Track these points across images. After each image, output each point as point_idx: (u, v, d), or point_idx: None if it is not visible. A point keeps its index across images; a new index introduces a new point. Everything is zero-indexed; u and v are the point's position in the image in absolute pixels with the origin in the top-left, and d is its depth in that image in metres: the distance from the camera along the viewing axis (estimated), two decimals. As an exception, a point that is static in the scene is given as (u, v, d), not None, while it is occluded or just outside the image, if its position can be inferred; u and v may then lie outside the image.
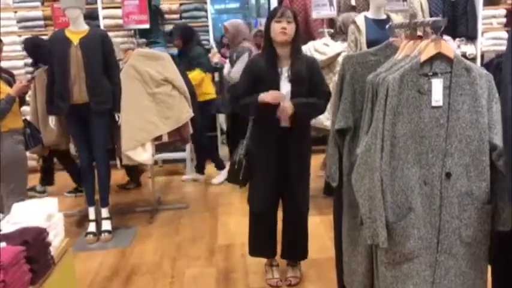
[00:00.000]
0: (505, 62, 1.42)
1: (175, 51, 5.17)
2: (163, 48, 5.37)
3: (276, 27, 2.66)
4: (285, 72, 2.72)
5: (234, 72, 4.49)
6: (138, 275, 3.23)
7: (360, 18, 3.72)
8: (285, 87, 2.71)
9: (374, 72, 1.84)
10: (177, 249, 3.59)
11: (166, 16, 5.79)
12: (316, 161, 3.86)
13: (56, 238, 2.28)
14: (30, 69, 5.05)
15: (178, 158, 5.72)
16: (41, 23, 5.68)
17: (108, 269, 3.34)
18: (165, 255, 3.50)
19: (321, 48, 4.16)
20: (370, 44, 3.42)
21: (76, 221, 4.23)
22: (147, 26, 4.79)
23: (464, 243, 1.79)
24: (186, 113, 4.07)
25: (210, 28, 5.84)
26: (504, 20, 5.60)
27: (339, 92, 2.03)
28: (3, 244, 1.89)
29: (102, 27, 5.41)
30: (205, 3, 5.84)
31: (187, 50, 4.99)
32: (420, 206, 1.75)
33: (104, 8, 5.57)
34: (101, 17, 5.54)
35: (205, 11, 5.84)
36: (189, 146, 5.40)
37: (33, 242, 1.99)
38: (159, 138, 4.06)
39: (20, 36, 5.56)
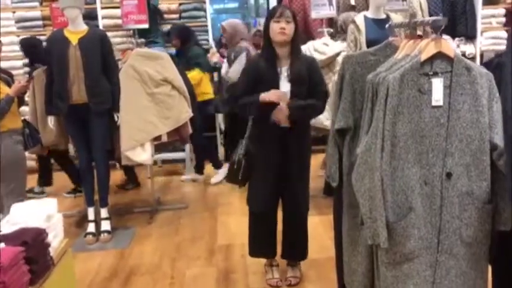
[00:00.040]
0: (505, 61, 1.41)
1: (174, 50, 5.17)
2: (163, 48, 5.36)
3: (274, 27, 2.66)
4: (284, 72, 2.71)
5: (231, 72, 4.48)
6: (138, 275, 3.23)
7: (359, 18, 3.72)
8: (285, 87, 2.70)
9: (374, 72, 1.83)
10: (176, 250, 3.59)
11: (166, 16, 5.79)
12: (315, 160, 3.85)
13: (55, 239, 2.28)
14: (29, 69, 5.04)
15: (178, 158, 5.71)
16: (40, 23, 5.68)
17: (108, 269, 3.33)
18: (165, 256, 3.49)
19: (320, 47, 4.16)
20: (369, 43, 3.42)
21: (75, 222, 4.22)
22: (146, 25, 4.78)
23: (465, 243, 1.79)
24: (186, 113, 4.07)
25: (209, 28, 5.84)
26: (503, 19, 5.60)
27: (338, 91, 2.03)
28: (3, 245, 1.89)
29: (101, 27, 5.41)
30: (204, 3, 5.83)
31: (185, 50, 4.99)
32: (421, 205, 1.75)
33: (102, 8, 5.57)
34: (99, 17, 5.54)
35: (204, 10, 5.84)
36: (188, 146, 5.39)
37: (32, 242, 1.98)
38: (158, 138, 4.05)
39: (18, 36, 5.54)
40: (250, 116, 2.80)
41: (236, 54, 4.62)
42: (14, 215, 2.23)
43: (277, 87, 2.69)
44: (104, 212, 3.87)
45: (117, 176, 5.12)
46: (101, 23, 5.53)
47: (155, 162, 5.55)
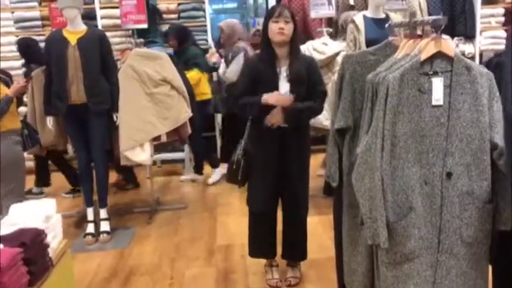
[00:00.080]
0: (505, 61, 1.41)
1: (172, 50, 5.16)
2: (162, 47, 5.35)
3: (273, 27, 2.65)
4: (283, 72, 2.71)
5: (229, 72, 4.47)
6: (137, 275, 3.22)
7: (358, 18, 3.71)
8: (284, 87, 2.70)
9: (374, 72, 1.83)
10: (176, 250, 3.58)
11: (165, 16, 5.78)
12: (315, 160, 3.85)
13: (54, 239, 2.27)
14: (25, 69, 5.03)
15: (177, 158, 5.71)
16: (39, 23, 5.66)
17: (107, 270, 3.32)
18: (164, 256, 3.49)
19: (319, 47, 4.15)
20: (369, 43, 3.41)
21: (74, 222, 4.21)
22: (145, 25, 4.77)
23: (465, 243, 1.78)
24: (185, 113, 4.06)
25: (208, 28, 5.83)
26: (502, 19, 5.60)
27: (338, 91, 2.03)
28: (1, 246, 1.88)
29: (100, 27, 5.39)
30: (203, 3, 5.82)
31: (183, 50, 4.99)
32: (421, 205, 1.74)
33: (101, 8, 5.56)
34: (98, 17, 5.52)
35: (203, 10, 5.82)
36: (187, 146, 5.39)
37: (31, 243, 1.98)
38: (157, 138, 4.04)
39: (17, 36, 5.51)
40: (250, 116, 2.80)
41: (234, 54, 4.61)
42: (12, 216, 2.23)
43: (276, 87, 2.68)
44: (103, 213, 3.86)
45: (116, 176, 5.11)
46: (100, 23, 5.51)
47: (154, 163, 5.54)
